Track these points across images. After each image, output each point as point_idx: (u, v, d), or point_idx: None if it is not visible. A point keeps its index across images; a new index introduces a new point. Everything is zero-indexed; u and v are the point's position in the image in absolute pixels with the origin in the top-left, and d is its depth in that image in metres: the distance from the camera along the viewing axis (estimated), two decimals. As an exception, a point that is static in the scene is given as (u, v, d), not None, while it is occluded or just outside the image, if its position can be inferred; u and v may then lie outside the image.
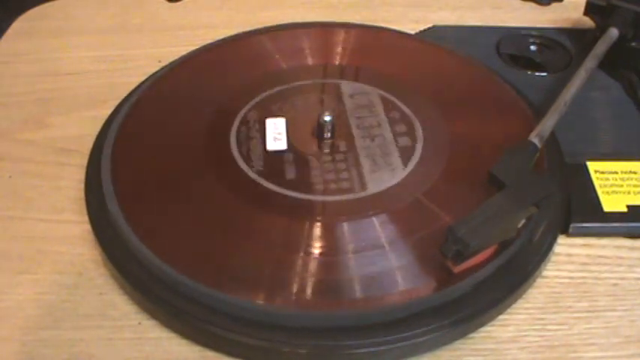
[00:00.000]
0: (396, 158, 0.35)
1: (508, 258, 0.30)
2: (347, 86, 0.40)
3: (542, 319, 0.30)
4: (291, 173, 0.34)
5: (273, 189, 0.33)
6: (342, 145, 0.36)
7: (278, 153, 0.35)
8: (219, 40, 0.44)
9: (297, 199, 0.33)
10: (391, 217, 0.32)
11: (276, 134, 0.36)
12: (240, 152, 0.35)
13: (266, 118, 0.37)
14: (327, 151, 0.36)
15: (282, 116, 0.38)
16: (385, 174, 0.34)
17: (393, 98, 0.39)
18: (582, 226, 0.34)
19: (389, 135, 0.37)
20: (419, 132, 0.37)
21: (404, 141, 0.36)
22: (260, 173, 0.34)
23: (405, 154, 0.35)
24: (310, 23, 0.46)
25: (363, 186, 0.34)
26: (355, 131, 0.37)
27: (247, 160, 0.35)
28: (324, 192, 0.33)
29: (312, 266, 0.30)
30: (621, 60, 0.43)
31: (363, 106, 0.39)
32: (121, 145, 0.36)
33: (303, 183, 0.34)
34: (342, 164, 0.35)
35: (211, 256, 0.31)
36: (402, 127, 0.37)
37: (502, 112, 0.39)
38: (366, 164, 0.35)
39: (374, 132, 0.37)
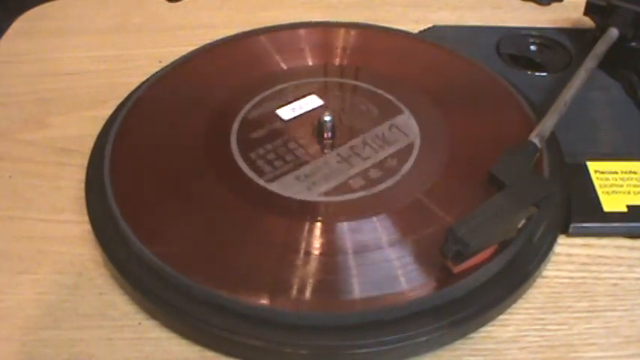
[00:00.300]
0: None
1: (508, 258, 0.31)
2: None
3: (542, 319, 0.30)
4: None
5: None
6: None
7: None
8: (219, 40, 0.44)
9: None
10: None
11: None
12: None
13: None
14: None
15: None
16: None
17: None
18: (582, 226, 0.34)
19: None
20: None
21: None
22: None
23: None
24: (310, 23, 0.46)
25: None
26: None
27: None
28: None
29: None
30: (621, 60, 0.43)
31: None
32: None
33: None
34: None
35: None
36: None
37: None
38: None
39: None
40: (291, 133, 0.37)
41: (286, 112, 0.38)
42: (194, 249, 0.31)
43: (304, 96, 0.39)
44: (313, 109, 0.38)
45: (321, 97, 0.39)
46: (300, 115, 0.38)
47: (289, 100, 0.39)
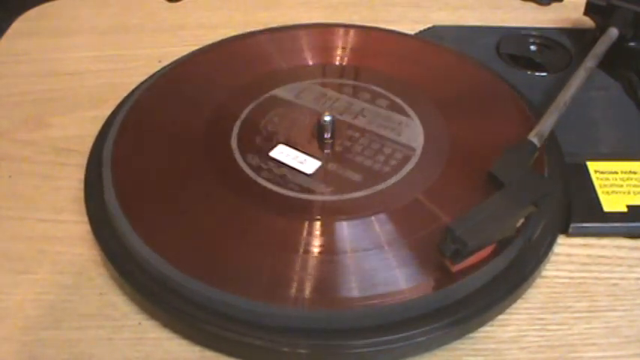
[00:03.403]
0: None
1: (508, 258, 0.30)
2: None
3: (542, 319, 0.30)
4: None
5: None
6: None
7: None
8: (219, 40, 0.44)
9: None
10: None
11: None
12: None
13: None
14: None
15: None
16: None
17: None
18: (582, 226, 0.34)
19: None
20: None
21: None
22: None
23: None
24: (310, 24, 0.46)
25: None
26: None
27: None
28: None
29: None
30: (621, 60, 0.43)
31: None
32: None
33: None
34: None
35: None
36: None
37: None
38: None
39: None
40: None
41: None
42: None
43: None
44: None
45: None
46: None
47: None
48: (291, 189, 0.33)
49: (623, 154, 0.37)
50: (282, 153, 0.35)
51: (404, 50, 0.44)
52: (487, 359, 0.29)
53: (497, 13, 0.51)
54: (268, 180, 0.34)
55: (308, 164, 0.35)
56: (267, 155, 0.35)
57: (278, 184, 0.34)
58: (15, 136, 0.40)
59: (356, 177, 0.34)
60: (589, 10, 0.45)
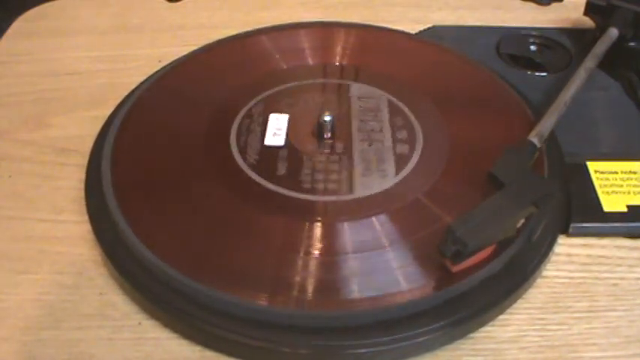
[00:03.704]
0: (396, 158, 0.35)
1: (508, 258, 0.30)
2: (347, 86, 0.40)
3: (542, 319, 0.30)
4: (291, 174, 0.34)
5: (275, 190, 0.33)
6: (342, 146, 0.36)
7: (277, 152, 0.35)
8: (219, 40, 0.44)
9: (299, 199, 0.33)
10: (391, 217, 0.32)
11: (276, 131, 0.36)
12: (241, 153, 0.35)
13: (267, 117, 0.37)
14: (326, 151, 0.36)
15: (283, 115, 0.38)
16: (385, 174, 0.34)
17: (392, 98, 0.39)
18: (582, 226, 0.34)
19: (388, 135, 0.37)
20: (419, 131, 0.37)
21: (404, 141, 0.36)
22: (260, 174, 0.34)
23: (405, 154, 0.35)
24: (310, 23, 0.46)
25: (363, 186, 0.33)
26: (355, 131, 0.37)
27: (247, 160, 0.35)
28: (325, 192, 0.33)
29: (312, 266, 0.30)
30: (621, 60, 0.43)
31: (363, 106, 0.39)
32: (121, 145, 0.36)
33: (305, 183, 0.34)
34: (341, 164, 0.35)
35: (211, 255, 0.31)
36: (401, 127, 0.37)
37: (502, 112, 0.39)
38: (364, 164, 0.35)
39: (374, 132, 0.37)
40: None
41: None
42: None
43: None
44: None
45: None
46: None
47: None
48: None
49: (623, 154, 0.37)
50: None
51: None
52: (487, 359, 0.29)
53: (497, 13, 0.51)
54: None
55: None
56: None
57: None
58: (15, 136, 0.40)
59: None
60: (589, 10, 0.45)
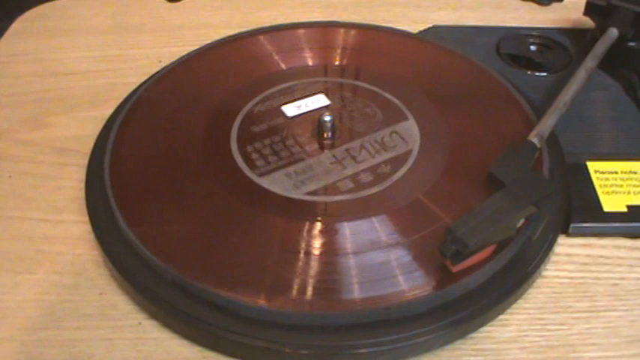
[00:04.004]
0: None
1: (508, 258, 0.30)
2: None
3: (542, 319, 0.30)
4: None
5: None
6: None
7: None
8: (219, 40, 0.44)
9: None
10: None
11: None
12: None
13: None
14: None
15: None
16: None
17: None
18: (582, 226, 0.34)
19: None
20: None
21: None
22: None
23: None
24: (310, 23, 0.46)
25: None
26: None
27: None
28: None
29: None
30: (621, 60, 0.43)
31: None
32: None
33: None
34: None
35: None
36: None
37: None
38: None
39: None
40: (291, 133, 0.37)
41: (286, 112, 0.38)
42: (194, 249, 0.31)
43: (306, 96, 0.39)
44: (313, 110, 0.38)
45: (320, 96, 0.39)
46: (301, 115, 0.38)
47: (288, 100, 0.39)
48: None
49: (623, 154, 0.37)
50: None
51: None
52: (487, 359, 0.29)
53: (497, 13, 0.51)
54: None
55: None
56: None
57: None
58: (15, 136, 0.40)
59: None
60: (589, 10, 0.45)
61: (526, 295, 0.31)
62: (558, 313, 0.31)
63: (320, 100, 0.39)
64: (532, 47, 0.46)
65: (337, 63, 0.42)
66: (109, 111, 0.39)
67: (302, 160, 0.35)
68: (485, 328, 0.30)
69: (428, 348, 0.29)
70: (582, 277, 0.32)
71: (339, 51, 0.43)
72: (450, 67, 0.42)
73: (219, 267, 0.30)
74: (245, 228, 0.32)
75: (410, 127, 0.37)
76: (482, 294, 0.30)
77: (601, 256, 0.33)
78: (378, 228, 0.32)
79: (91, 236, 0.33)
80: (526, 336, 0.30)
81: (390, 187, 0.34)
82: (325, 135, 0.36)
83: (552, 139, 0.37)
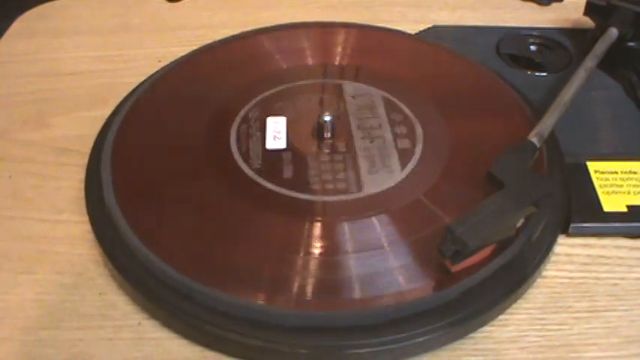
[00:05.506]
0: (396, 158, 0.35)
1: (508, 258, 0.30)
2: (347, 86, 0.40)
3: (542, 319, 0.30)
4: (290, 173, 0.34)
5: (274, 189, 0.33)
6: (342, 146, 0.36)
7: (277, 152, 0.35)
8: (219, 40, 0.44)
9: (298, 199, 0.33)
10: (391, 217, 0.32)
11: (275, 133, 0.36)
12: (241, 152, 0.35)
13: (267, 116, 0.37)
14: (326, 151, 0.36)
15: (283, 115, 0.38)
16: (385, 174, 0.34)
17: (392, 98, 0.39)
18: (582, 226, 0.34)
19: (389, 135, 0.37)
20: (419, 132, 0.37)
21: (404, 141, 0.36)
22: (260, 173, 0.34)
23: (406, 155, 0.35)
24: (310, 23, 0.46)
25: (363, 186, 0.34)
26: (355, 132, 0.37)
27: (247, 160, 0.35)
28: (325, 192, 0.33)
29: (312, 266, 0.30)
30: (621, 60, 0.43)
31: (364, 106, 0.39)
32: (121, 145, 0.36)
33: (303, 183, 0.34)
34: (342, 164, 0.35)
35: (211, 255, 0.31)
36: (402, 128, 0.37)
37: (502, 112, 0.39)
38: (365, 164, 0.35)
39: (374, 133, 0.37)
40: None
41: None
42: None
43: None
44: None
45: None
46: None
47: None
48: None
49: (623, 154, 0.37)
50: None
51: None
52: (487, 359, 0.29)
53: (497, 13, 0.51)
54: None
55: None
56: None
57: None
58: (15, 136, 0.40)
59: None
60: (589, 10, 0.45)
61: (526, 295, 0.31)
62: (558, 313, 0.31)
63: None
64: (532, 47, 0.46)
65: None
66: (109, 111, 0.39)
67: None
68: (486, 328, 0.30)
69: (428, 348, 0.29)
70: (582, 277, 0.32)
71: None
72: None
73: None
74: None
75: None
76: (482, 294, 0.30)
77: (601, 256, 0.33)
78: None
79: (91, 236, 0.33)
80: (526, 336, 0.30)
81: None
82: (325, 135, 0.36)
83: (552, 139, 0.37)
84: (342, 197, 0.33)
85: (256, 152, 0.35)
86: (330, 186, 0.34)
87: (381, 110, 0.38)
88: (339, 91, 0.40)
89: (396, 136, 0.37)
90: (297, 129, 0.37)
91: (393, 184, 0.34)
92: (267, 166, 0.34)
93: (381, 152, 0.35)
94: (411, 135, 0.37)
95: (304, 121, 0.37)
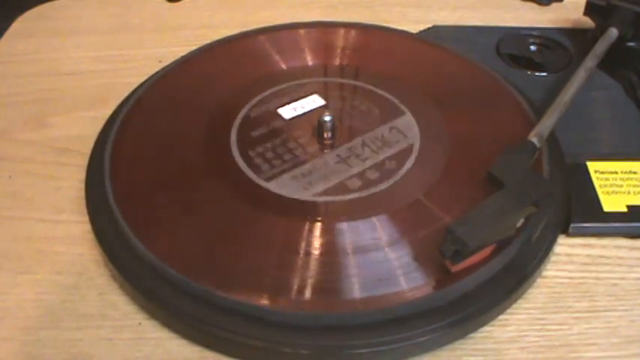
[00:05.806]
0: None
1: (508, 258, 0.31)
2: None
3: (542, 319, 0.30)
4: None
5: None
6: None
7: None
8: (219, 40, 0.44)
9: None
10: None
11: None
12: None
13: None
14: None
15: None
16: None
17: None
18: (582, 226, 0.34)
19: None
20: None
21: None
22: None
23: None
24: (310, 23, 0.46)
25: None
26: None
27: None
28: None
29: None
30: (621, 60, 0.43)
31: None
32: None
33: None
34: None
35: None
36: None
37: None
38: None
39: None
40: (291, 133, 0.37)
41: (286, 112, 0.38)
42: (194, 249, 0.31)
43: (304, 96, 0.39)
44: (313, 110, 0.38)
45: (320, 97, 0.39)
46: (301, 115, 0.38)
47: (289, 100, 0.39)
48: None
49: (623, 154, 0.37)
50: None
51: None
52: (487, 359, 0.29)
53: (497, 13, 0.51)
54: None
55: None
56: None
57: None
58: (15, 136, 0.40)
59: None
60: (589, 10, 0.45)
61: (526, 295, 0.31)
62: (558, 313, 0.31)
63: (316, 101, 0.39)
64: (532, 47, 0.46)
65: (337, 63, 0.42)
66: (109, 111, 0.39)
67: (306, 161, 0.35)
68: (486, 328, 0.30)
69: (428, 348, 0.29)
70: (582, 277, 0.32)
71: (338, 51, 0.43)
72: (450, 67, 0.42)
73: (220, 267, 0.30)
74: (245, 228, 0.32)
75: (411, 128, 0.37)
76: (482, 294, 0.30)
77: (601, 256, 0.33)
78: (378, 228, 0.32)
79: (91, 236, 0.33)
80: (526, 336, 0.30)
81: (390, 187, 0.33)
82: (326, 135, 0.36)
83: (552, 139, 0.37)
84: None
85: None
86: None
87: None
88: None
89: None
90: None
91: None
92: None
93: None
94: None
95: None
